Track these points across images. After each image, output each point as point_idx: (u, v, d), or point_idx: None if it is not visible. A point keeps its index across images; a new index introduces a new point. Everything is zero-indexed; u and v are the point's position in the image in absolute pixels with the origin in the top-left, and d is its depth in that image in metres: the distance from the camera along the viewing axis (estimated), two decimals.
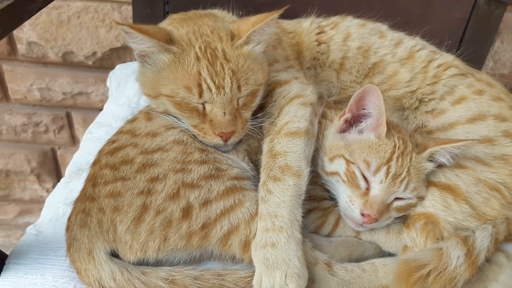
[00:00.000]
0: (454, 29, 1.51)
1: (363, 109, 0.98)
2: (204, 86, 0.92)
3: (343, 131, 1.01)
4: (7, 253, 0.96)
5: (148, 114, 1.03)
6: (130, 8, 1.69)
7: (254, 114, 1.02)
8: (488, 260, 0.92)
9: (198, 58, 0.93)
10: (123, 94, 1.44)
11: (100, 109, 1.47)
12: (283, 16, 1.01)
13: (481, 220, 0.94)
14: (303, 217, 0.91)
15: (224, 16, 1.17)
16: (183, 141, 0.96)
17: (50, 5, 1.28)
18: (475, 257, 0.89)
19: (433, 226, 0.93)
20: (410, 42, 1.23)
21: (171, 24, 1.05)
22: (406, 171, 0.93)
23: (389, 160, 0.93)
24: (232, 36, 0.98)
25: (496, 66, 1.86)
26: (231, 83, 0.93)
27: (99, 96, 1.95)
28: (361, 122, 0.99)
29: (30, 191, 2.23)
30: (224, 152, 1.00)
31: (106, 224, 0.88)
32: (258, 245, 0.86)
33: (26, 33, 1.77)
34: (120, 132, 1.03)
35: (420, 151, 0.97)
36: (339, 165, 0.97)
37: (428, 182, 0.98)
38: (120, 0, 1.71)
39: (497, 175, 0.98)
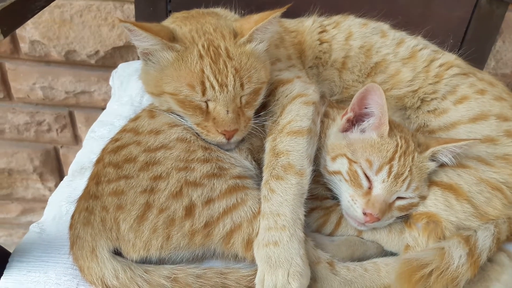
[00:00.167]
0: (456, 28, 1.51)
1: (366, 108, 0.98)
2: (207, 84, 0.92)
3: (345, 130, 1.01)
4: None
5: (151, 112, 1.03)
6: (132, 7, 1.70)
7: (257, 112, 1.02)
8: (490, 259, 0.92)
9: (201, 56, 0.93)
10: (126, 93, 1.44)
11: (103, 108, 1.47)
12: (285, 15, 1.01)
13: (483, 219, 0.94)
14: (305, 216, 0.91)
15: (226, 15, 1.17)
16: (186, 139, 0.96)
17: (52, 4, 1.27)
18: (477, 257, 0.89)
19: (435, 226, 0.93)
20: (412, 42, 1.23)
21: (174, 22, 1.05)
22: (408, 171, 0.93)
23: (391, 159, 0.94)
24: (235, 34, 0.98)
25: (498, 66, 1.86)
26: (234, 81, 0.93)
27: (102, 95, 1.95)
28: (363, 121, 0.99)
29: (33, 190, 2.23)
30: (227, 150, 1.00)
31: (109, 222, 0.88)
32: (260, 243, 0.86)
33: (29, 31, 1.77)
34: (123, 130, 1.03)
35: (422, 150, 0.97)
36: (341, 164, 0.97)
37: (430, 182, 0.98)
38: None
39: (499, 174, 0.98)
